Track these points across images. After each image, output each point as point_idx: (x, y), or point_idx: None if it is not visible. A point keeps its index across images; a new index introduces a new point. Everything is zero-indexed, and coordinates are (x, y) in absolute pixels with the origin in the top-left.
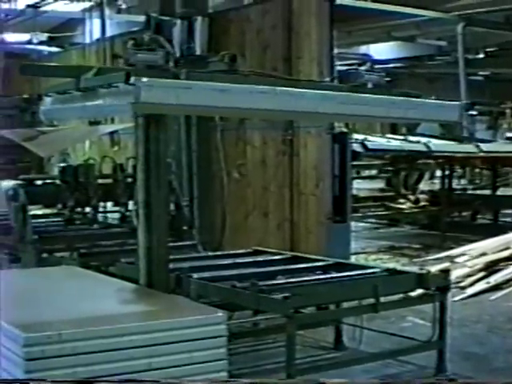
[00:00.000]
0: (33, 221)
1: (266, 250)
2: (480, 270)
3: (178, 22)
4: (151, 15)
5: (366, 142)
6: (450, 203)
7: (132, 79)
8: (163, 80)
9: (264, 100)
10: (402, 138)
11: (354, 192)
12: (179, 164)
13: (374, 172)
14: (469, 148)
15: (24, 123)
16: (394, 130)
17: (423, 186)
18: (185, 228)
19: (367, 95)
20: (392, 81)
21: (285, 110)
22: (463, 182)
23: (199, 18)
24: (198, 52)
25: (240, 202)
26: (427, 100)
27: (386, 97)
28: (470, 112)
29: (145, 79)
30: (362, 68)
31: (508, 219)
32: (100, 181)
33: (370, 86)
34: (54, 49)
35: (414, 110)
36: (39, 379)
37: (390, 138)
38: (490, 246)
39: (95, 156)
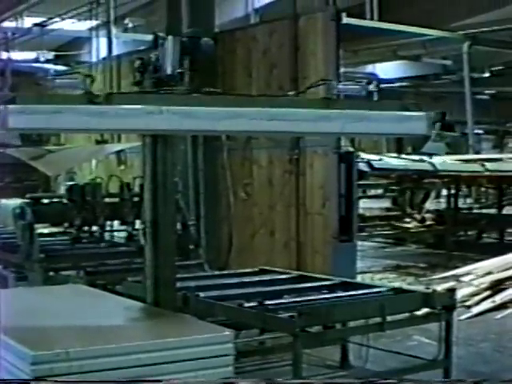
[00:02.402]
0: (39, 239)
1: (273, 269)
2: (486, 289)
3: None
4: (158, 34)
5: (371, 162)
6: (455, 222)
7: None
8: (35, 106)
9: (150, 120)
10: (407, 156)
11: (360, 211)
12: (186, 183)
13: (380, 191)
14: (474, 167)
15: (31, 142)
16: (399, 149)
17: (429, 205)
18: (191, 247)
19: (307, 110)
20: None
21: (170, 129)
22: (469, 201)
23: (170, 37)
24: (168, 71)
25: (246, 221)
26: (386, 112)
27: (334, 111)
28: (476, 130)
29: (14, 106)
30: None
31: None
32: (107, 200)
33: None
34: (60, 67)
35: (364, 123)
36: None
37: (395, 158)
38: (495, 265)
39: (102, 175)
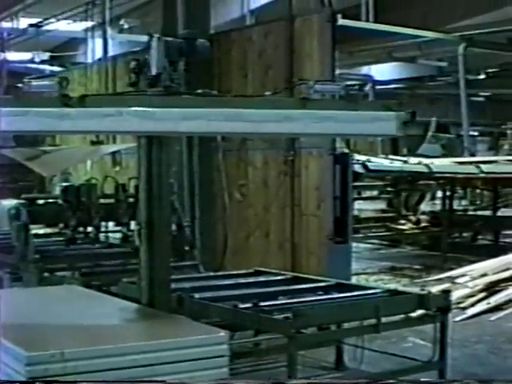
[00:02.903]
0: (34, 240)
1: (268, 270)
2: (481, 291)
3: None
4: (153, 35)
5: (367, 163)
6: (450, 224)
7: None
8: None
9: (108, 122)
10: (403, 158)
11: (355, 213)
12: (181, 185)
13: (375, 193)
14: (470, 169)
15: (26, 142)
16: (395, 150)
17: (424, 206)
18: (186, 248)
19: (269, 111)
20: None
21: (128, 130)
22: (464, 202)
23: (154, 39)
24: (153, 72)
25: (241, 222)
26: (355, 112)
27: (296, 111)
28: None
29: None
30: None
31: (509, 240)
32: (102, 201)
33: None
34: (55, 68)
35: (329, 123)
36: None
37: (391, 159)
38: (490, 267)
39: (97, 176)
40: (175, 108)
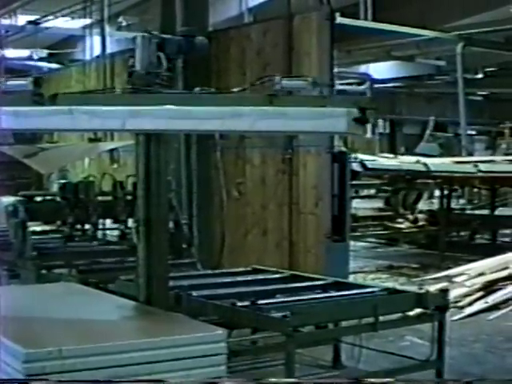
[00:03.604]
0: (32, 237)
1: (265, 268)
2: (478, 290)
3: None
4: (152, 33)
5: (364, 162)
6: (448, 223)
7: None
8: None
9: (59, 120)
10: (400, 157)
11: (353, 211)
12: (179, 182)
13: (372, 191)
14: (467, 168)
15: (24, 140)
16: (392, 149)
17: (422, 205)
18: (184, 246)
19: (216, 108)
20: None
21: (77, 128)
22: (462, 201)
23: (139, 35)
24: (138, 69)
25: (239, 220)
26: (306, 109)
27: (244, 108)
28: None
29: None
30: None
31: (506, 239)
32: (100, 198)
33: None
34: (53, 65)
35: (278, 121)
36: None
37: (389, 158)
38: (488, 266)
39: (95, 173)
40: (139, 106)
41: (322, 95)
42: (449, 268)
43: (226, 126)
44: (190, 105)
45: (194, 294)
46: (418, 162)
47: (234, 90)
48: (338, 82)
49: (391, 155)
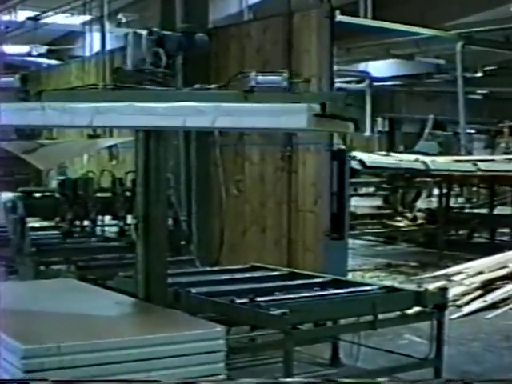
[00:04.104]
0: (31, 233)
1: (264, 266)
2: (477, 289)
3: (130, 34)
4: (152, 29)
5: (364, 160)
6: (447, 221)
7: None
8: None
9: (31, 116)
10: (399, 155)
11: (352, 209)
12: (178, 179)
13: (371, 189)
14: (466, 166)
15: (23, 136)
16: (391, 147)
17: (420, 203)
18: (183, 243)
19: (179, 104)
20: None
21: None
22: (460, 200)
23: (130, 33)
24: (129, 66)
25: (238, 217)
26: (265, 105)
27: (206, 104)
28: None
29: None
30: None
31: (505, 238)
32: (99, 194)
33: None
34: (53, 61)
35: (238, 117)
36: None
37: (388, 156)
38: (486, 265)
39: (94, 169)
40: (119, 102)
41: (298, 91)
42: (447, 266)
43: (187, 122)
44: (163, 101)
45: (193, 290)
46: (417, 160)
47: (212, 86)
48: (337, 79)
49: (383, 153)
